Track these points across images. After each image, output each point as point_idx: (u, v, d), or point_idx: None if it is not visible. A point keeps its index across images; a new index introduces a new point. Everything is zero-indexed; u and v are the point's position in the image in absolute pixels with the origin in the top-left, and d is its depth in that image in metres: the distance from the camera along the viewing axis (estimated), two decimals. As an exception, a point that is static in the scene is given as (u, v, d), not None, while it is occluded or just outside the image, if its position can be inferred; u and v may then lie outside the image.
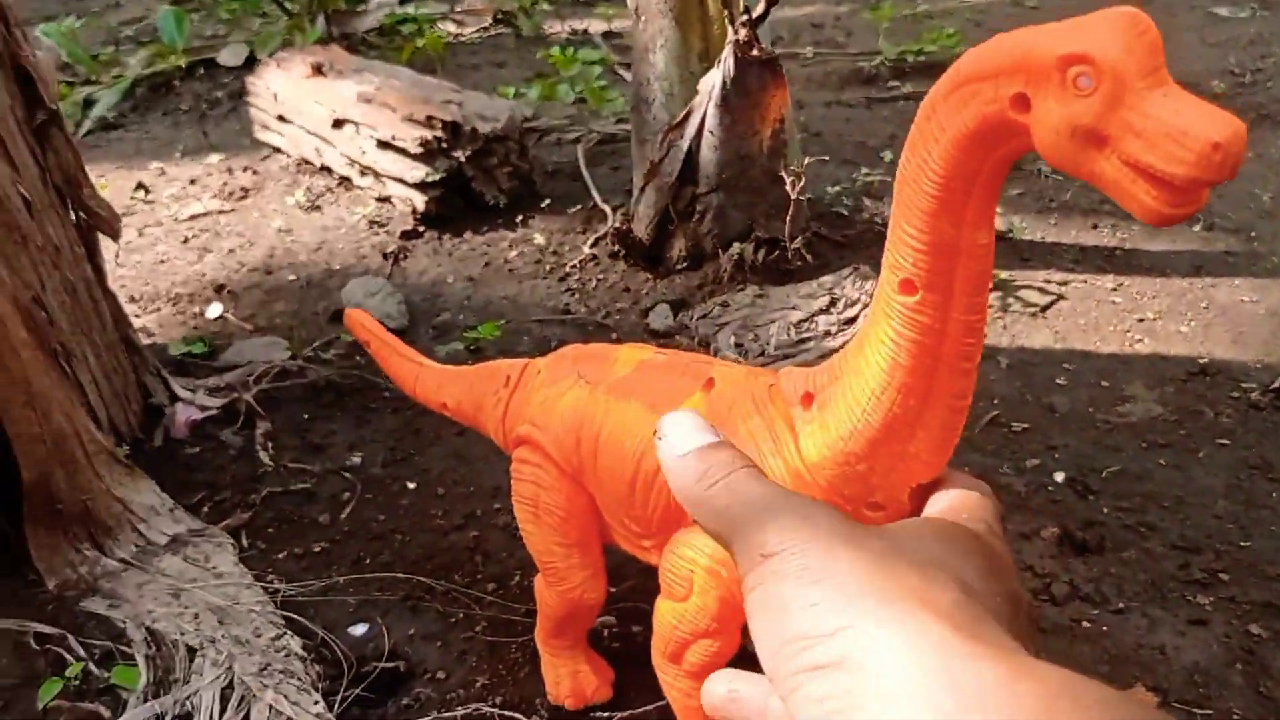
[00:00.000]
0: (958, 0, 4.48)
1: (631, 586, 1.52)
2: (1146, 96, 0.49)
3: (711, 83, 2.18)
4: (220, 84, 4.33)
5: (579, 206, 2.77)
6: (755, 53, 2.10)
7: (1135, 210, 0.51)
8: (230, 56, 4.54)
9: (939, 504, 0.66)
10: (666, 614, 1.08)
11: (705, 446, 0.58)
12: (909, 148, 0.62)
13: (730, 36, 2.09)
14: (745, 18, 2.06)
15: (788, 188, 2.18)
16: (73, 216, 1.83)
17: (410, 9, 4.78)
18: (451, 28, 4.70)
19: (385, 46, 4.46)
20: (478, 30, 4.67)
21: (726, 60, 2.12)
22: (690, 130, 2.26)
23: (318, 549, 1.67)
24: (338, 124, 2.96)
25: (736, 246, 2.32)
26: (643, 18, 2.29)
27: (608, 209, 2.66)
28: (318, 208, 2.99)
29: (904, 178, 0.63)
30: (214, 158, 3.48)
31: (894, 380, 0.70)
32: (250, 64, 4.33)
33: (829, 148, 3.09)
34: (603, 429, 1.11)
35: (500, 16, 4.69)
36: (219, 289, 2.55)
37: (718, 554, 1.01)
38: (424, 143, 2.66)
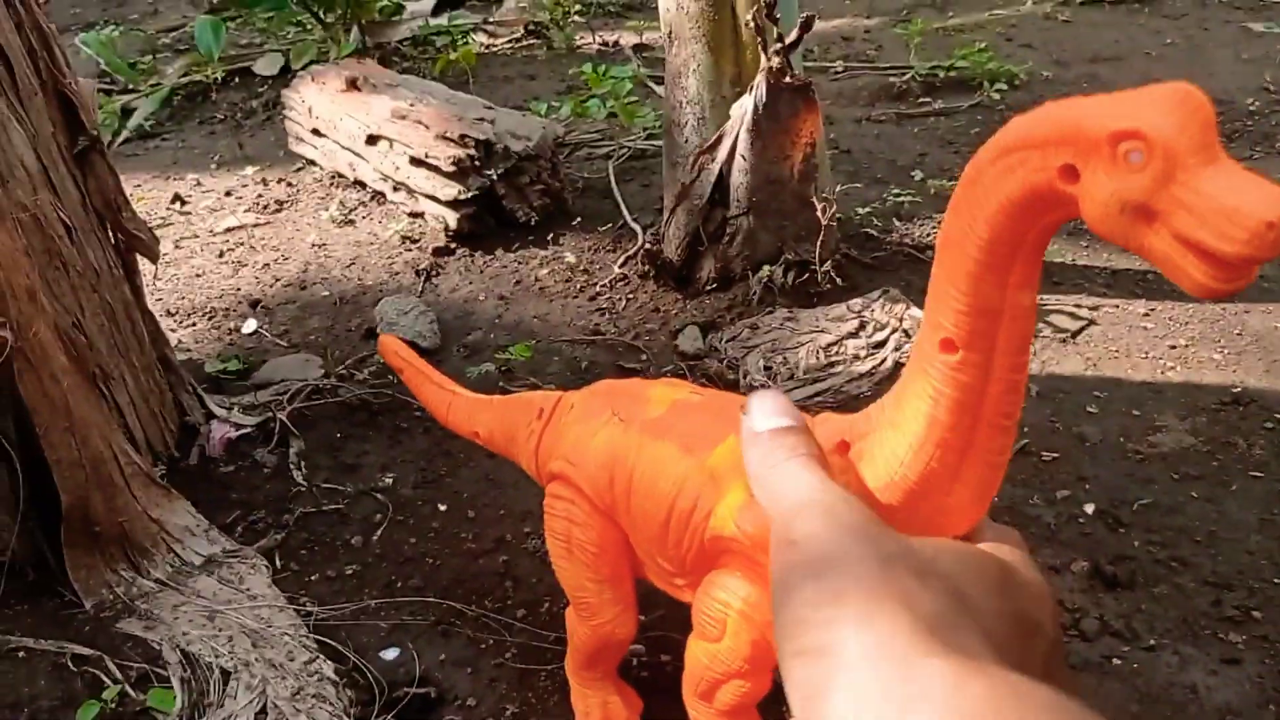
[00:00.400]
0: (989, 14, 4.46)
1: (661, 616, 1.53)
2: (1198, 173, 0.49)
3: (744, 108, 2.19)
4: (255, 93, 4.38)
5: (609, 224, 2.78)
6: (788, 80, 2.10)
7: (1184, 284, 0.51)
8: (266, 66, 4.60)
9: (978, 540, 0.68)
10: (699, 654, 1.09)
11: (779, 429, 0.62)
12: (952, 210, 0.61)
13: (763, 64, 2.09)
14: (779, 45, 2.06)
15: (819, 214, 2.19)
16: (112, 239, 1.86)
17: (443, 20, 4.82)
18: (483, 39, 4.72)
19: (418, 57, 4.49)
20: (509, 41, 4.70)
21: (759, 87, 2.12)
22: (721, 154, 2.27)
23: (350, 571, 1.69)
24: (371, 140, 2.98)
25: (766, 269, 2.32)
26: (675, 42, 2.30)
27: (638, 228, 2.67)
28: (351, 222, 3.01)
29: (947, 239, 0.62)
30: (249, 169, 3.52)
31: (933, 436, 0.69)
32: (285, 73, 4.38)
33: (859, 166, 3.09)
34: (636, 468, 1.12)
35: (532, 28, 4.72)
36: (254, 304, 2.58)
37: (751, 597, 1.02)
38: (456, 161, 2.68)
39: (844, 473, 0.80)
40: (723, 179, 2.31)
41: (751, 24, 2.10)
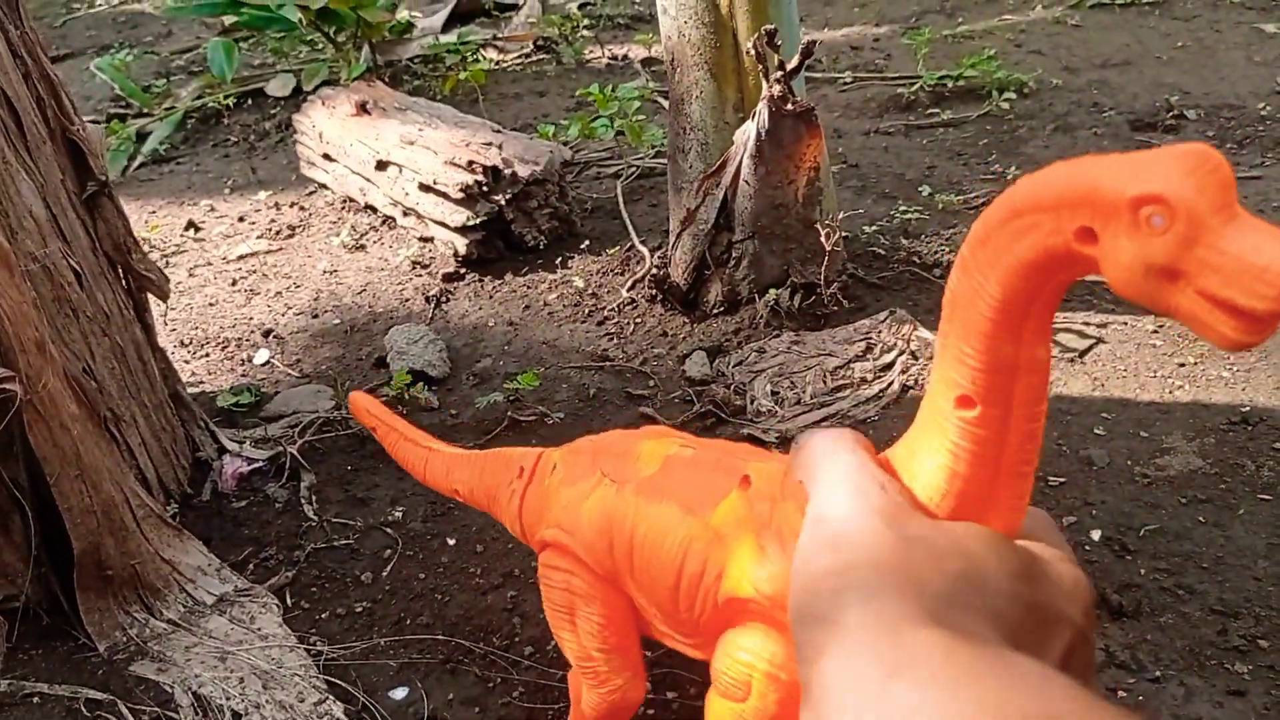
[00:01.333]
0: (999, 19, 4.45)
1: (666, 652, 1.53)
2: (1221, 233, 0.49)
3: (746, 134, 2.20)
4: (269, 115, 4.41)
5: (618, 246, 2.79)
6: (790, 106, 2.11)
7: (1214, 340, 0.51)
8: (278, 87, 4.63)
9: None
10: (723, 713, 1.06)
11: (835, 430, 0.67)
12: (961, 270, 0.61)
13: (765, 91, 2.10)
14: (779, 73, 2.06)
15: (822, 239, 2.19)
16: (122, 280, 1.89)
17: (453, 37, 4.84)
18: (493, 55, 4.75)
19: (429, 75, 4.52)
20: (519, 57, 4.72)
21: (761, 113, 2.13)
22: (726, 179, 2.28)
23: (360, 609, 1.71)
24: (381, 165, 3.01)
25: (772, 292, 2.33)
26: (678, 70, 2.30)
27: (645, 251, 2.68)
28: (362, 247, 3.04)
29: (956, 298, 0.62)
30: (262, 194, 3.55)
31: (953, 488, 0.68)
32: (297, 94, 4.42)
33: (867, 181, 3.10)
34: (636, 532, 1.09)
35: (541, 43, 4.74)
36: (266, 334, 2.61)
37: (777, 657, 1.00)
38: (464, 188, 2.69)
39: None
40: (727, 204, 2.32)
41: (752, 51, 2.10)
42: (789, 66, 2.11)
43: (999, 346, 0.60)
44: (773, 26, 2.07)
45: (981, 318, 0.59)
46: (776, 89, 2.09)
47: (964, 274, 0.60)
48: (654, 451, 1.13)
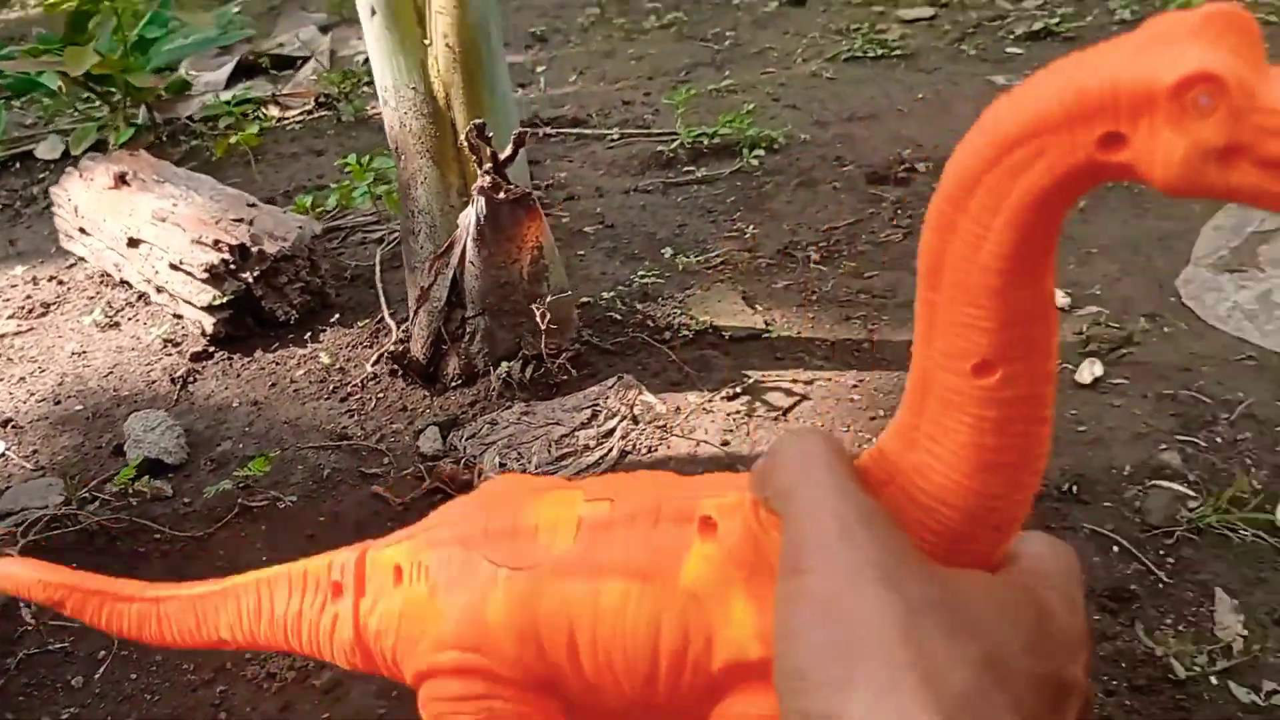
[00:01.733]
0: (761, 73, 4.70)
1: None
2: (1266, 91, 0.45)
3: (468, 218, 2.31)
4: (36, 179, 4.33)
5: (369, 319, 2.87)
6: (502, 195, 2.23)
7: None
8: (48, 149, 4.55)
9: (1028, 548, 0.63)
10: None
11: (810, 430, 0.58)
12: (941, 229, 0.56)
13: (477, 182, 2.22)
14: (489, 165, 2.19)
15: (538, 319, 2.32)
16: None
17: (234, 94, 4.83)
18: (275, 111, 4.76)
19: (207, 134, 4.50)
20: (301, 113, 4.74)
21: (478, 200, 2.25)
22: (454, 259, 2.39)
23: (65, 716, 1.74)
24: (133, 243, 3.01)
25: (505, 365, 2.45)
26: (403, 157, 2.41)
27: (392, 324, 2.76)
28: (116, 325, 3.03)
29: (943, 262, 0.57)
30: (19, 268, 3.49)
31: (981, 463, 0.62)
32: (68, 156, 4.34)
33: (619, 242, 3.25)
34: (579, 622, 0.91)
35: (322, 100, 4.77)
36: (4, 423, 2.59)
37: None
38: (209, 267, 2.73)
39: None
40: (458, 282, 2.42)
41: (465, 144, 2.22)
42: (502, 156, 2.23)
43: (1014, 296, 0.56)
44: (482, 120, 2.18)
45: (988, 271, 0.55)
46: (487, 180, 2.21)
47: (948, 232, 0.56)
48: (557, 519, 0.94)
